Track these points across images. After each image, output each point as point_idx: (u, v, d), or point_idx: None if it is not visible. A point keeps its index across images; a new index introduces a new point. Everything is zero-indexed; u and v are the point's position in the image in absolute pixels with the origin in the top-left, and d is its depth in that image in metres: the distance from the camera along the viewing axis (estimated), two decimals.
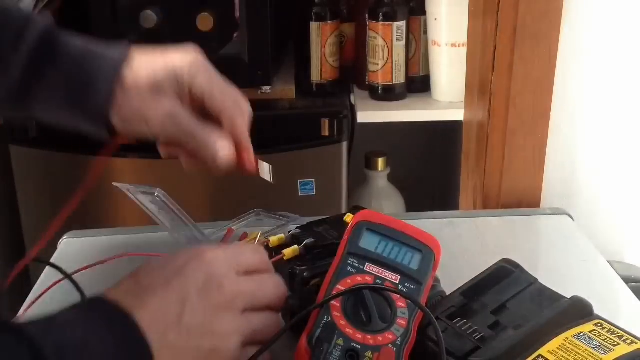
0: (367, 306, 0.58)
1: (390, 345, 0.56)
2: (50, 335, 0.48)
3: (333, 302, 0.58)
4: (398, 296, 0.59)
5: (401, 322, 0.58)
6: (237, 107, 0.69)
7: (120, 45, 0.69)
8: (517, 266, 0.67)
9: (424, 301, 0.61)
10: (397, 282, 0.61)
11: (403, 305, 0.59)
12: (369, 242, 0.63)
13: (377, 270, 0.61)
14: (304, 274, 0.65)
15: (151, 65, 0.67)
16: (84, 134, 0.69)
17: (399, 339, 0.57)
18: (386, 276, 0.61)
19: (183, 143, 0.68)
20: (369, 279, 0.60)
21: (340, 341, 0.56)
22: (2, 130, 1.64)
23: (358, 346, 0.56)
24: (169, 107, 0.66)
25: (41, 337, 0.47)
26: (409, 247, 0.63)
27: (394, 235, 0.64)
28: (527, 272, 0.66)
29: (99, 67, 0.67)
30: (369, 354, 0.55)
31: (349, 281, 0.60)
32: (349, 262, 0.61)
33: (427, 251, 0.64)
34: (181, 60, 0.68)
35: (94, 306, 0.52)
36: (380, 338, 0.57)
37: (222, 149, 0.67)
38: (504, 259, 0.68)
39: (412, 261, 0.63)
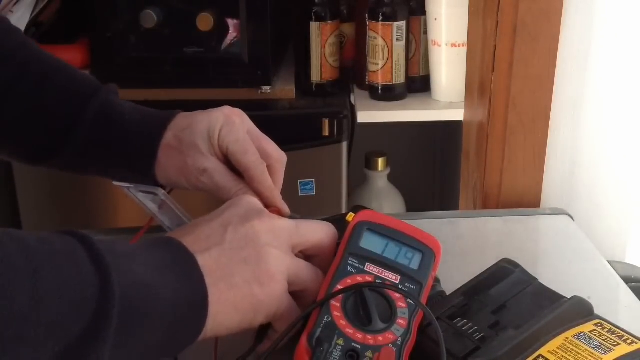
0: (367, 306, 0.58)
1: (390, 345, 0.56)
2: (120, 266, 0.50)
3: (333, 302, 0.58)
4: (398, 296, 0.59)
5: (401, 322, 0.58)
6: (257, 165, 0.73)
7: (164, 112, 0.77)
8: (517, 266, 0.67)
9: (424, 301, 0.61)
10: (398, 283, 0.61)
11: (403, 305, 0.59)
12: (369, 242, 0.63)
13: (378, 271, 0.61)
14: None
15: (189, 126, 0.75)
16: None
17: (399, 339, 0.57)
18: (386, 276, 0.61)
19: (218, 196, 0.74)
20: (369, 279, 0.60)
21: (341, 341, 0.56)
22: None
23: (358, 346, 0.56)
24: (204, 164, 0.73)
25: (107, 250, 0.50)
26: (410, 248, 0.63)
27: (395, 236, 0.64)
28: (527, 272, 0.66)
29: (146, 133, 0.75)
30: (369, 353, 0.55)
31: (349, 281, 0.60)
32: (349, 262, 0.61)
33: (427, 251, 0.63)
34: (216, 120, 0.74)
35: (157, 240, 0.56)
36: (380, 338, 0.57)
37: None
38: (504, 259, 0.68)
39: (413, 261, 0.63)
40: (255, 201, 0.62)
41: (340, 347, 0.55)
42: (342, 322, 0.57)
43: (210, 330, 0.54)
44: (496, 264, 0.67)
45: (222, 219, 0.58)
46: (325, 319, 0.57)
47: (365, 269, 0.61)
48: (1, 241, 0.45)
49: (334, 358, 0.55)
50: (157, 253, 0.53)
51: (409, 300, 0.59)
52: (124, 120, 0.76)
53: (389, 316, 0.58)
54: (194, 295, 0.53)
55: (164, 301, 0.51)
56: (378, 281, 0.60)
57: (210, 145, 0.73)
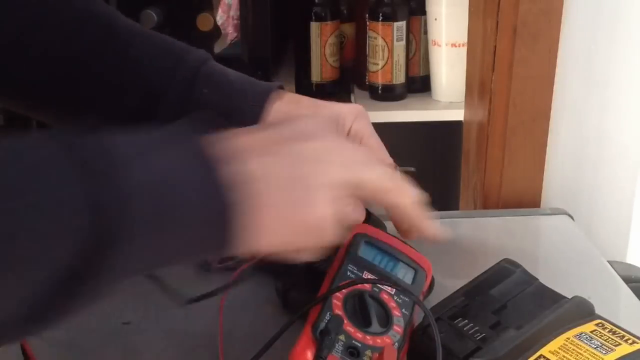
0: (366, 309, 0.58)
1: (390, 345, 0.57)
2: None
3: (335, 302, 0.58)
4: (394, 305, 0.60)
5: (397, 328, 0.59)
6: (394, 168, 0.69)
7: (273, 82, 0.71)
8: (518, 266, 0.67)
9: (416, 316, 0.61)
10: (393, 293, 0.61)
11: (398, 314, 0.60)
12: (366, 253, 0.64)
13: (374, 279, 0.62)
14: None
15: (314, 104, 0.69)
16: None
17: (396, 344, 0.58)
18: (382, 285, 0.62)
19: None
20: (367, 285, 0.61)
21: (342, 337, 0.56)
22: (2, 130, 1.64)
23: (359, 344, 0.56)
24: None
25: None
26: (403, 264, 0.65)
27: (390, 251, 0.65)
28: (528, 272, 0.66)
29: (249, 93, 0.69)
30: (368, 352, 0.56)
31: None
32: (349, 268, 0.62)
33: (419, 269, 0.65)
34: (347, 107, 0.69)
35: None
36: (379, 340, 0.57)
37: None
38: (505, 259, 0.68)
39: (406, 276, 0.64)
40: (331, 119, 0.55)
41: (342, 343, 0.56)
42: (344, 321, 0.57)
43: (246, 241, 0.47)
44: (497, 264, 0.67)
45: (280, 131, 0.51)
46: (329, 315, 0.57)
47: (363, 276, 0.62)
48: None
49: (337, 350, 0.55)
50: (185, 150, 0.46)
51: (403, 310, 0.60)
52: (228, 78, 0.70)
53: (386, 323, 0.59)
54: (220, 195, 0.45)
55: (188, 198, 0.44)
56: (375, 289, 0.61)
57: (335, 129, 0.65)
